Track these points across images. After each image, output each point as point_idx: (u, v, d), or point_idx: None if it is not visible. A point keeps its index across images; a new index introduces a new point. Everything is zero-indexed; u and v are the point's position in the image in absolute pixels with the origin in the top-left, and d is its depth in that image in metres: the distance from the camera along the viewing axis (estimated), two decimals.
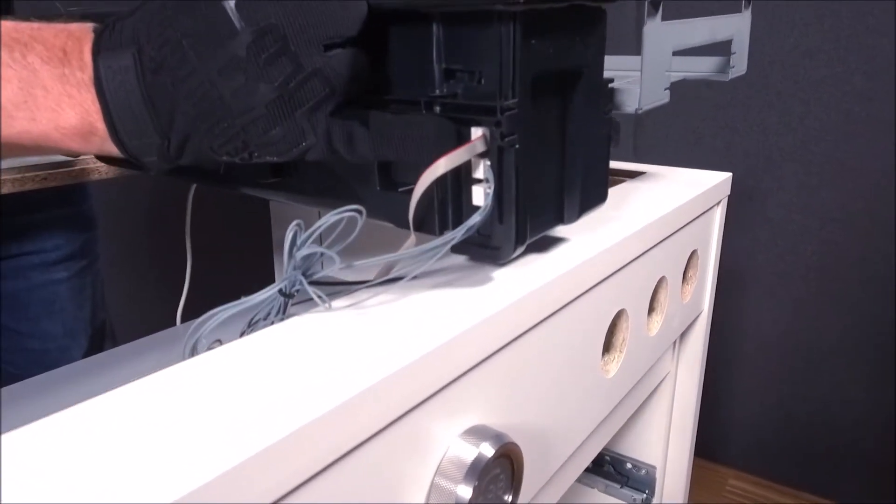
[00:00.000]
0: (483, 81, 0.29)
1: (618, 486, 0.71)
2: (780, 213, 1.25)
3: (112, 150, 0.30)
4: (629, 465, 0.70)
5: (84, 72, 0.28)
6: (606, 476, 0.72)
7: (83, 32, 0.29)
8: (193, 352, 0.25)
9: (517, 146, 0.30)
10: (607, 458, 0.72)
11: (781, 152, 1.21)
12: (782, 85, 1.18)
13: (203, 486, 0.17)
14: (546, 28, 0.29)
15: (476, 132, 0.30)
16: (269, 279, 0.29)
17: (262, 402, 0.21)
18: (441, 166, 0.29)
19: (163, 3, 0.27)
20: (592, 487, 0.73)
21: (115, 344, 0.79)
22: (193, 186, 0.68)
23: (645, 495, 0.69)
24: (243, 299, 0.26)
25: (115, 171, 0.69)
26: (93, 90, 0.28)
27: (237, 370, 0.23)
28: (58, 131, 0.29)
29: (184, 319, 0.73)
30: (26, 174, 0.62)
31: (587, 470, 0.73)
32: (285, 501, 0.20)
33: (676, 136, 1.32)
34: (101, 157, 0.58)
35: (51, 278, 0.76)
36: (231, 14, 0.25)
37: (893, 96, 1.09)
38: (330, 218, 0.26)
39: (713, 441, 1.40)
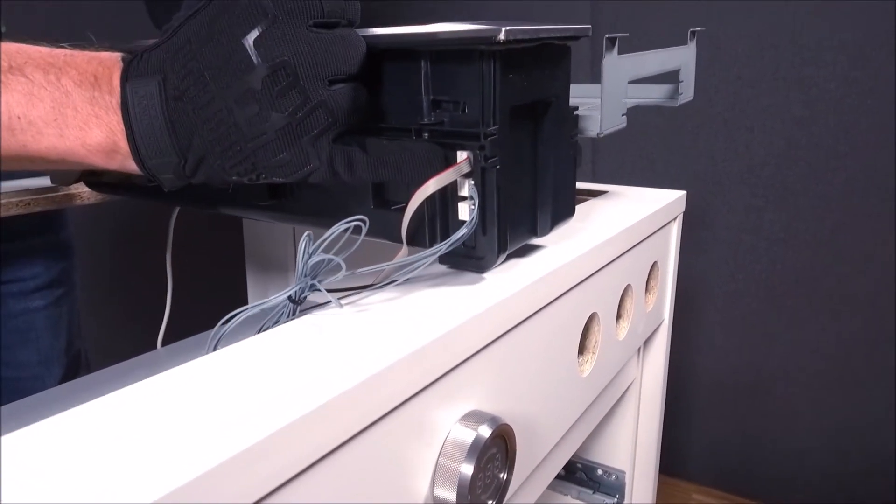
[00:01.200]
0: (467, 111, 0.33)
1: (590, 492, 0.74)
2: (730, 234, 1.32)
3: (132, 167, 0.33)
4: (600, 472, 0.74)
5: (112, 96, 0.31)
6: (579, 482, 0.75)
7: (113, 61, 0.32)
8: (216, 348, 0.28)
9: (498, 167, 0.34)
10: (579, 465, 0.75)
11: (729, 176, 1.29)
12: (728, 113, 1.26)
13: (236, 455, 0.20)
14: (521, 64, 0.34)
15: (461, 155, 0.34)
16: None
17: (281, 388, 0.24)
18: (431, 186, 0.33)
19: (188, 37, 0.30)
20: (566, 494, 0.76)
21: (90, 373, 0.79)
22: (176, 210, 0.70)
23: (615, 499, 0.73)
24: (260, 302, 0.29)
25: (96, 197, 0.70)
26: (119, 112, 0.31)
27: (258, 360, 0.26)
28: (84, 148, 0.32)
29: (165, 343, 0.75)
30: (11, 199, 0.63)
31: (561, 478, 0.76)
32: (305, 475, 0.23)
33: (631, 160, 1.39)
34: (90, 184, 0.60)
35: (27, 307, 0.76)
36: (250, 51, 0.29)
37: (830, 123, 1.18)
38: (338, 228, 0.29)
39: (675, 456, 1.45)
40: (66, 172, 0.60)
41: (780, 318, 1.30)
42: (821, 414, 1.29)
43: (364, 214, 0.38)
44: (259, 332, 0.32)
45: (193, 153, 0.31)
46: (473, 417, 0.30)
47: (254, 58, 0.29)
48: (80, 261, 0.83)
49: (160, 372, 0.26)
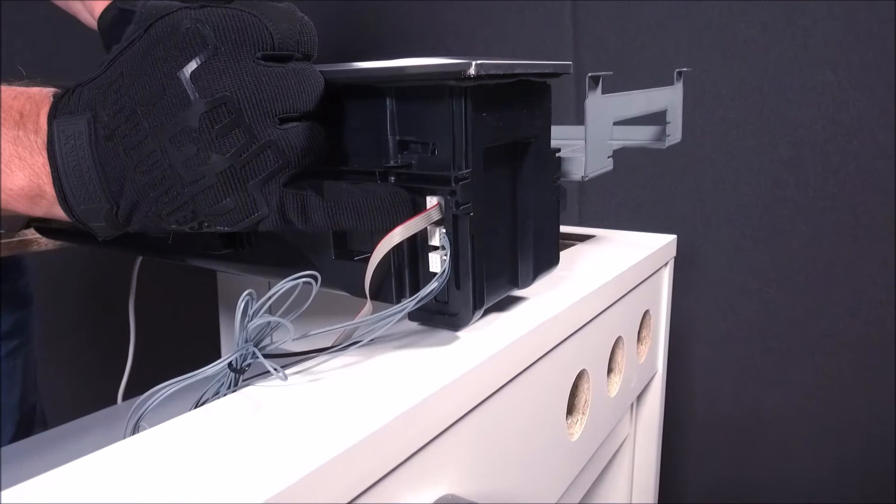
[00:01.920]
0: (437, 152, 0.30)
1: None
2: (719, 275, 1.29)
3: (60, 214, 0.29)
4: None
5: (38, 135, 0.28)
6: None
7: (42, 97, 0.29)
8: (135, 431, 0.24)
9: (472, 214, 0.30)
10: None
11: (717, 217, 1.28)
12: (714, 154, 1.25)
13: None
14: (496, 102, 0.31)
15: (431, 201, 0.30)
16: (215, 357, 0.28)
17: (214, 480, 0.20)
18: (397, 235, 0.30)
19: (121, 70, 0.27)
20: None
21: (46, 429, 0.74)
22: (139, 259, 0.66)
23: None
24: (189, 374, 0.25)
25: (53, 244, 0.66)
26: (44, 154, 0.28)
27: (184, 446, 0.22)
28: (4, 192, 0.28)
29: (126, 398, 0.70)
30: None
31: None
32: None
33: (619, 203, 1.37)
34: (41, 230, 0.56)
35: None
36: (186, 85, 0.26)
37: (817, 164, 1.17)
38: (284, 285, 0.25)
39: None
40: (10, 218, 0.56)
41: (773, 361, 1.27)
42: (818, 458, 1.25)
43: (325, 265, 0.34)
44: (196, 405, 0.27)
45: (126, 198, 0.28)
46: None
47: (190, 93, 0.26)
48: (37, 310, 0.78)
49: (116, 428, 0.22)
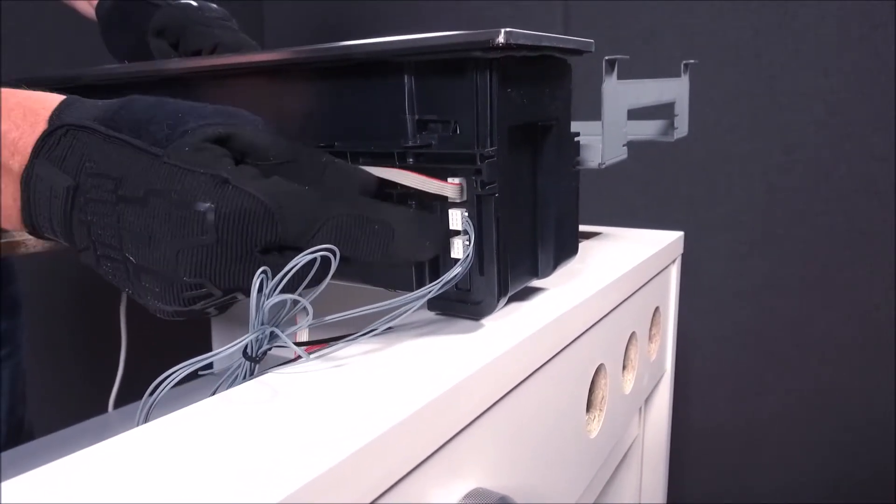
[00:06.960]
0: (459, 131, 0.29)
1: None
2: (714, 281, 1.29)
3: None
4: None
5: (14, 158, 0.27)
6: None
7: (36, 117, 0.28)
8: (147, 419, 0.22)
9: (497, 195, 0.29)
10: None
11: (711, 223, 1.27)
12: (708, 160, 1.25)
13: None
14: (520, 78, 0.29)
15: (453, 182, 0.29)
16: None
17: (228, 476, 0.18)
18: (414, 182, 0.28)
19: (121, 173, 0.26)
20: None
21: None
22: None
23: None
24: (202, 356, 0.23)
25: (43, 245, 0.64)
26: (18, 182, 0.27)
27: (205, 434, 0.20)
28: None
29: (117, 406, 0.67)
30: None
31: None
32: None
33: (611, 209, 1.37)
34: (32, 232, 0.54)
35: None
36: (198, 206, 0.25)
37: (810, 169, 1.17)
38: (302, 258, 0.24)
39: None
40: None
41: (769, 366, 1.26)
42: (815, 462, 1.24)
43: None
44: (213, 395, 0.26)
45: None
46: (479, 497, 0.24)
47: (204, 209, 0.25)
48: (27, 317, 0.75)
49: (108, 436, 0.20)
